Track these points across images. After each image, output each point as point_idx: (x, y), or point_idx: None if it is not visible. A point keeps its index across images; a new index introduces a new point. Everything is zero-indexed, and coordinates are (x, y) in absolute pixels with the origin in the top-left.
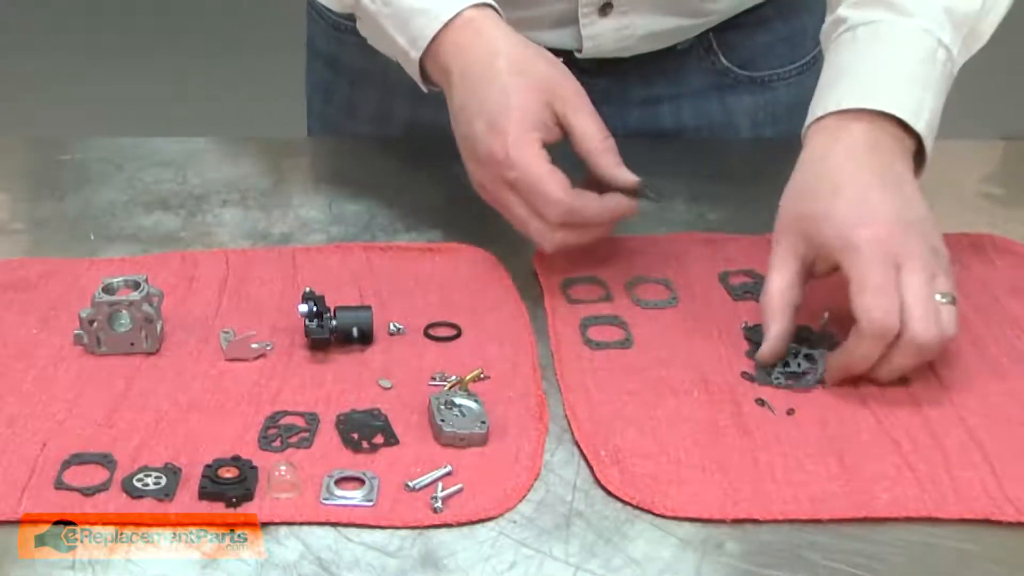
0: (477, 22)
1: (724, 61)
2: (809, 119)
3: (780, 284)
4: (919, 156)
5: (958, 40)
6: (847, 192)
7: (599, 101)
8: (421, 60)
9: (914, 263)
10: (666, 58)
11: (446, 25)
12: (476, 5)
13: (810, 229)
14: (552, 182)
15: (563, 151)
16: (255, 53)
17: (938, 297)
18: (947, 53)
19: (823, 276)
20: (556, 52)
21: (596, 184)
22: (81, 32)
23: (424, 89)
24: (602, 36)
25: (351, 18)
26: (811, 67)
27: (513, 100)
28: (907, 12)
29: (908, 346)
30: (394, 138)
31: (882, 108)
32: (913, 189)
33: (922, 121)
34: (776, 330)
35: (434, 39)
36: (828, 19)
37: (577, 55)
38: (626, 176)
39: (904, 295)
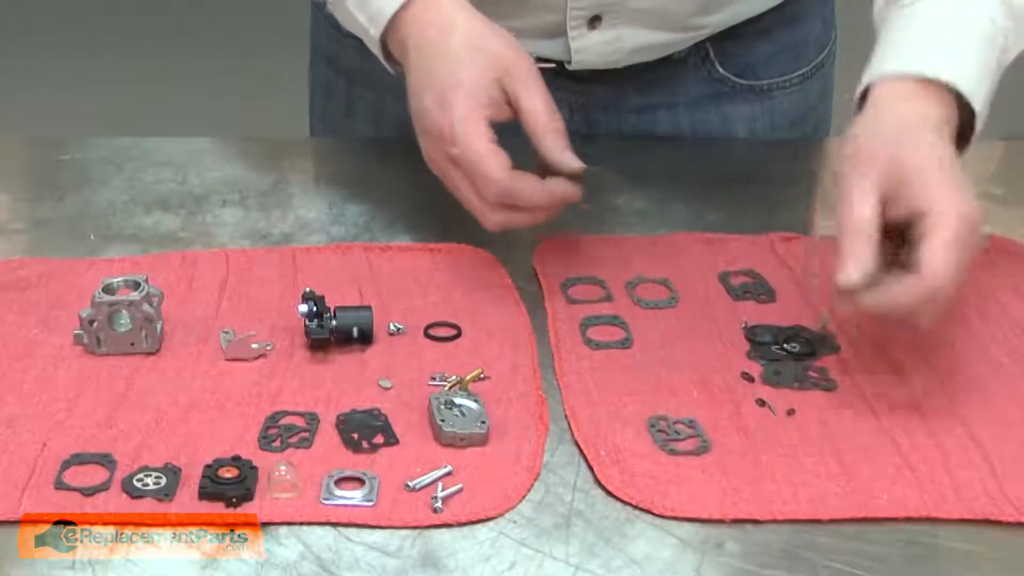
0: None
1: (721, 70)
2: (876, 73)
3: (867, 210)
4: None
5: (1012, 28)
6: (944, 159)
7: (594, 108)
8: (383, 39)
9: (974, 250)
10: (662, 67)
11: (405, 3)
12: None
13: (900, 172)
14: (492, 161)
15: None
16: (255, 53)
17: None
18: (1004, 39)
19: (889, 221)
20: (546, 62)
21: (545, 169)
22: (81, 32)
23: (390, 70)
24: (591, 49)
25: None
26: (812, 76)
27: (463, 75)
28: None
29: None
30: (394, 138)
31: (954, 83)
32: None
33: (978, 100)
34: (868, 253)
35: (394, 17)
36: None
37: (568, 66)
38: (569, 160)
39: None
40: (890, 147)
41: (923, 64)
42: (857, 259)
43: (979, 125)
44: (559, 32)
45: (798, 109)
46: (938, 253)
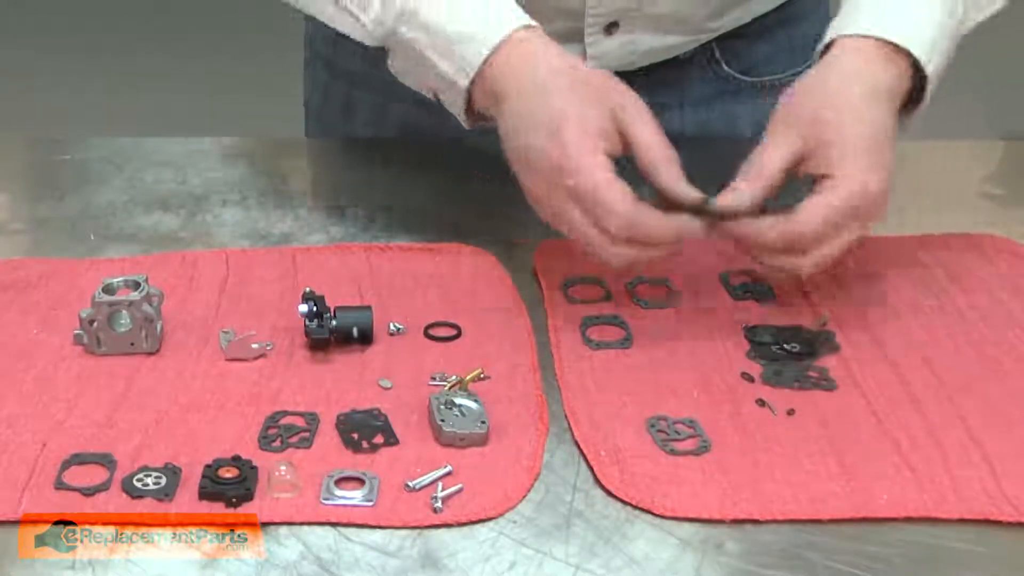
0: (527, 43)
1: (726, 68)
2: (835, 31)
3: (774, 159)
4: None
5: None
6: (870, 128)
7: None
8: (468, 88)
9: (868, 227)
10: (668, 67)
11: (496, 49)
12: (523, 27)
13: (822, 133)
14: (613, 191)
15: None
16: (256, 54)
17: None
18: (963, 7)
19: (798, 177)
20: None
21: (663, 203)
22: (81, 32)
23: (466, 125)
24: (607, 55)
25: None
26: None
27: (572, 110)
28: None
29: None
30: (394, 139)
31: (907, 47)
32: (892, 116)
33: (931, 66)
34: (752, 192)
35: (484, 63)
36: None
37: None
38: (688, 192)
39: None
40: (822, 107)
41: (880, 27)
42: (740, 190)
43: (929, 92)
44: (576, 37)
45: None
46: (816, 206)
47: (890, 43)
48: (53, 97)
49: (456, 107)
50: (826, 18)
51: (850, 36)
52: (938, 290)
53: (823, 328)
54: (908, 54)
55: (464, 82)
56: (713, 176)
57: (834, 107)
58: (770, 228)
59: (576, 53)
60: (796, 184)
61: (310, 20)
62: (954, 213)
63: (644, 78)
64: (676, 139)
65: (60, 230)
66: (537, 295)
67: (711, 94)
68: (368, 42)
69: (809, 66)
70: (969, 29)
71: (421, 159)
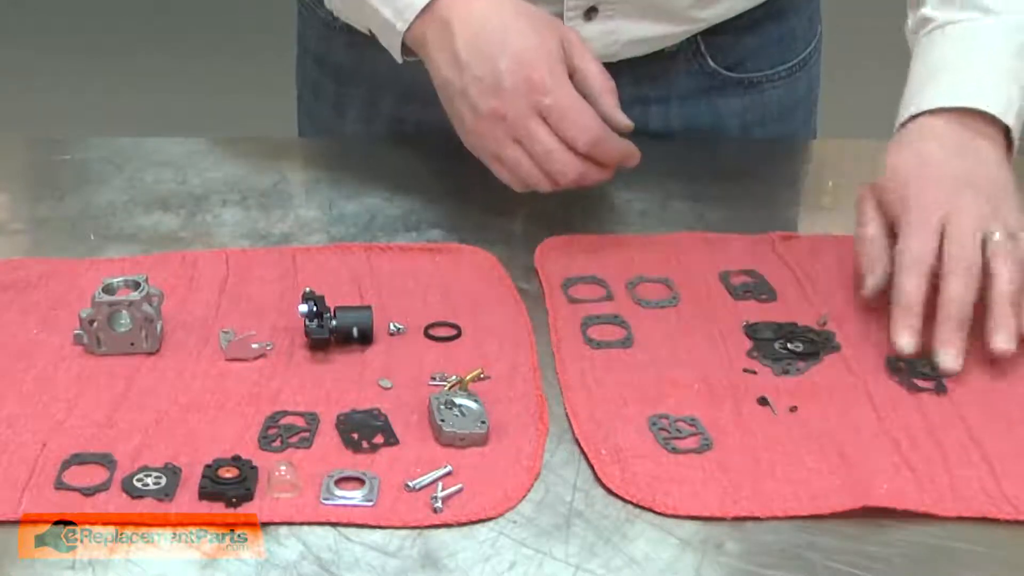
0: None
1: (712, 64)
2: (903, 115)
3: (873, 231)
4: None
5: None
6: (924, 168)
7: None
8: (404, 32)
9: (960, 215)
10: (654, 61)
11: None
12: None
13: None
14: (587, 108)
15: None
16: (256, 54)
17: (996, 236)
18: None
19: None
20: None
21: None
22: (81, 32)
23: (399, 59)
24: (588, 41)
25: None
26: (800, 68)
27: (535, 39)
28: (993, 11)
29: (951, 288)
30: (394, 139)
31: (971, 105)
32: (990, 158)
33: (1011, 115)
34: (879, 274)
35: (425, 9)
36: (912, 17)
37: None
38: (623, 119)
39: (945, 240)
40: (890, 182)
41: (947, 97)
42: (876, 275)
43: (1016, 135)
44: None
45: (787, 102)
46: (904, 242)
47: (958, 109)
48: (53, 97)
49: (393, 47)
50: (814, 15)
51: (914, 116)
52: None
53: (823, 328)
54: (980, 112)
55: (402, 26)
56: (698, 172)
57: (901, 175)
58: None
59: None
60: None
61: (301, 17)
62: None
63: (630, 72)
64: (662, 135)
65: (60, 230)
66: (537, 295)
67: (697, 90)
68: None
69: (798, 67)
70: None
71: (422, 158)
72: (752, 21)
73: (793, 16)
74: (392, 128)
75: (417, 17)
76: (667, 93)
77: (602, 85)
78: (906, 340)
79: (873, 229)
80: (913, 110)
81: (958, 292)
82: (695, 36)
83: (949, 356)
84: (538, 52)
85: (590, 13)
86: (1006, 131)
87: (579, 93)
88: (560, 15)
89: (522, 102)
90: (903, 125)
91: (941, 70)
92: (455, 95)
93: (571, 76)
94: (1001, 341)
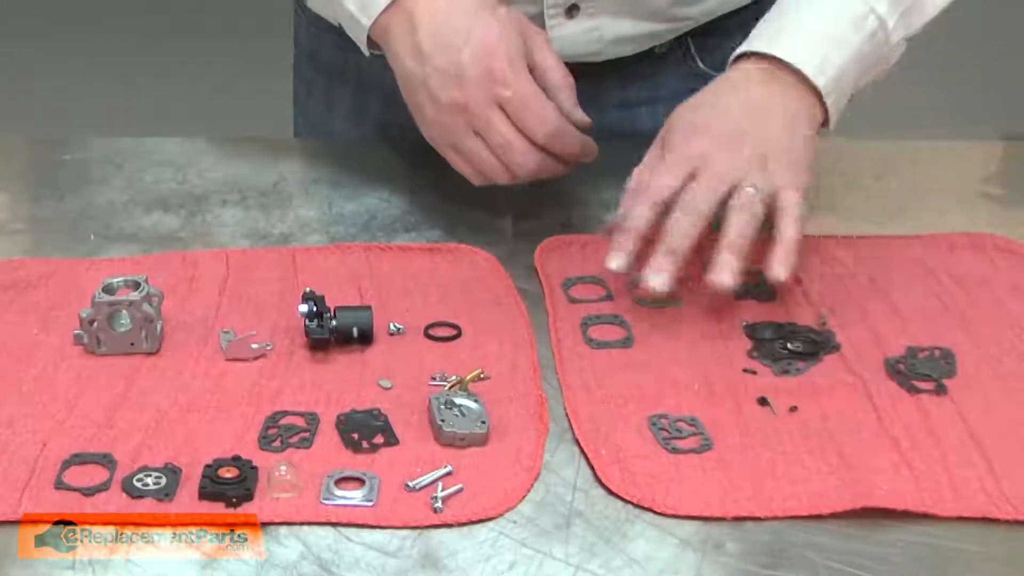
0: None
1: (702, 65)
2: (741, 49)
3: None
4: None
5: (895, 12)
6: (707, 117)
7: None
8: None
9: (713, 164)
10: (643, 61)
11: None
12: None
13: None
14: (546, 101)
15: None
16: (256, 54)
17: (746, 190)
18: (879, 22)
19: None
20: None
21: None
22: (81, 32)
23: (366, 52)
24: (569, 38)
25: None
26: None
27: (496, 31)
28: None
29: (669, 220)
30: (394, 138)
31: (784, 58)
32: (784, 117)
33: (824, 76)
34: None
35: (389, 5)
36: None
37: None
38: (580, 115)
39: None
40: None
41: (764, 44)
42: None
43: (830, 102)
44: (536, 21)
45: None
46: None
47: (768, 56)
48: (53, 97)
49: (360, 41)
50: None
51: (738, 56)
52: (938, 290)
53: (823, 328)
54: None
55: (367, 21)
56: None
57: (719, 116)
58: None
59: None
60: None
61: (296, 15)
62: (954, 213)
63: (617, 73)
64: (653, 136)
65: (60, 230)
66: (537, 295)
67: (687, 91)
68: None
69: None
70: (895, 39)
71: (422, 158)
72: (742, 22)
73: None
74: (379, 128)
75: (382, 12)
76: (656, 94)
77: (561, 81)
78: (616, 262)
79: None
80: (742, 49)
81: (676, 224)
82: (684, 38)
83: (658, 279)
84: (499, 44)
85: (572, 11)
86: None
87: (541, 87)
88: (541, 13)
89: (482, 93)
90: (733, 62)
91: (779, 15)
92: (417, 86)
93: (531, 71)
94: (716, 274)
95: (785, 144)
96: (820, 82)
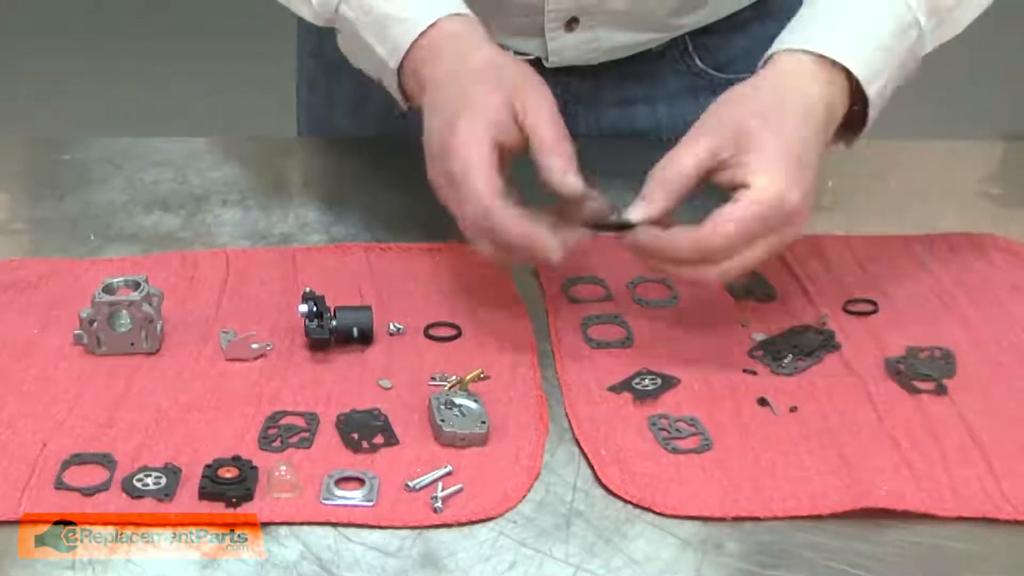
0: (452, 31)
1: (700, 64)
2: (777, 46)
3: (687, 165)
4: (854, 117)
5: (931, 24)
6: (797, 142)
7: (572, 102)
8: (399, 72)
9: (785, 241)
10: (641, 61)
11: (423, 33)
12: (455, 14)
13: (741, 143)
14: (477, 175)
15: None
16: (256, 53)
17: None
18: (919, 32)
19: (712, 183)
20: (523, 57)
21: (564, 213)
22: (81, 32)
23: (404, 106)
24: (568, 49)
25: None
26: None
27: (471, 99)
28: None
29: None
30: (394, 138)
31: (847, 65)
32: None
33: (874, 87)
34: (660, 202)
35: (411, 47)
36: None
37: (545, 64)
38: (570, 182)
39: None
40: (748, 116)
41: (823, 44)
42: (647, 202)
43: (873, 113)
44: (536, 32)
45: None
46: (729, 217)
47: (829, 59)
48: (53, 97)
49: (393, 90)
50: None
51: (789, 51)
52: (938, 290)
53: (823, 328)
54: (848, 73)
55: (394, 64)
56: None
57: (761, 116)
58: (684, 239)
59: (537, 49)
60: None
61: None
62: (954, 213)
63: (616, 72)
64: (651, 136)
65: (60, 230)
66: (537, 295)
67: (685, 90)
68: (317, 22)
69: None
70: (926, 50)
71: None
72: (740, 22)
73: (782, 16)
74: (380, 125)
75: (406, 55)
76: (653, 93)
77: (549, 144)
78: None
79: (691, 167)
80: (790, 44)
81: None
82: (682, 37)
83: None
84: (466, 112)
85: (571, 24)
86: (856, 100)
87: (531, 156)
88: (541, 26)
89: (437, 166)
90: (782, 52)
91: (830, 14)
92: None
93: (522, 132)
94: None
95: (772, 138)
96: (871, 92)
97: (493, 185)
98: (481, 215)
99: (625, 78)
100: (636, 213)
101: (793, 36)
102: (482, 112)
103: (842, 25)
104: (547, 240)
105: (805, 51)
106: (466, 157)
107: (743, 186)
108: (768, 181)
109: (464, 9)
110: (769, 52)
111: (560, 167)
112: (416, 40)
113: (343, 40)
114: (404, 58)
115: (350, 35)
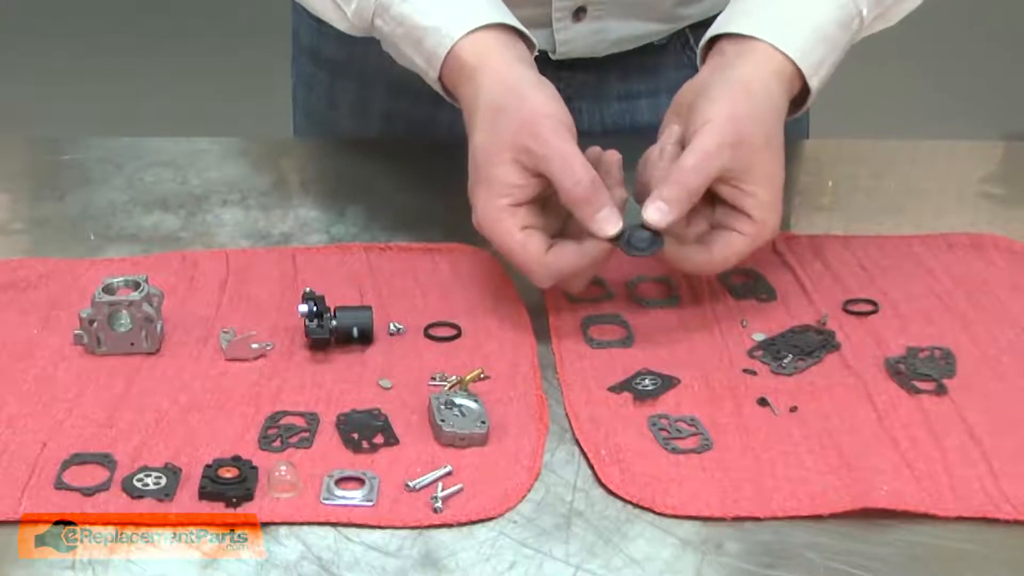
0: (479, 48)
1: None
2: (727, 26)
3: (704, 178)
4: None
5: (871, 15)
6: (778, 159)
7: (576, 96)
8: (441, 80)
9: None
10: (643, 54)
11: (456, 43)
12: (482, 27)
13: (744, 160)
14: (524, 253)
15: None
16: (255, 53)
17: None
18: (860, 23)
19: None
20: None
21: None
22: (81, 32)
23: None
24: (576, 40)
25: None
26: None
27: (481, 164)
28: None
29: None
30: (394, 138)
31: (794, 59)
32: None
33: (817, 78)
34: (678, 212)
35: (448, 55)
36: None
37: (551, 56)
38: (602, 227)
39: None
40: (749, 126)
41: (759, 28)
42: (665, 209)
43: (810, 103)
44: (544, 23)
45: None
46: (735, 245)
47: (782, 53)
48: (53, 97)
49: (445, 95)
50: None
51: (739, 34)
52: (938, 290)
53: (823, 328)
54: (797, 69)
55: (434, 74)
56: None
57: (761, 125)
58: (696, 255)
59: (545, 41)
60: None
61: (295, 12)
62: (954, 213)
63: (618, 66)
64: (653, 130)
65: (60, 230)
66: (537, 295)
67: (685, 82)
68: (353, 33)
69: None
70: (860, 37)
71: (422, 158)
72: None
73: None
74: (384, 122)
75: (445, 59)
76: (656, 86)
77: (570, 195)
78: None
79: (705, 178)
80: (733, 28)
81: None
82: (684, 29)
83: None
84: (479, 185)
85: (579, 14)
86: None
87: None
88: (548, 16)
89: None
90: (730, 35)
91: (779, 4)
92: None
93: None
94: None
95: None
96: (814, 83)
97: (539, 251)
98: (549, 276)
99: (628, 71)
100: (653, 217)
101: (748, 19)
102: (494, 183)
103: (795, 19)
104: (605, 250)
105: (771, 46)
106: (502, 242)
107: (744, 214)
108: (767, 213)
109: (492, 17)
110: (709, 34)
111: (588, 215)
112: (451, 49)
113: (385, 48)
114: (442, 68)
115: (390, 46)
